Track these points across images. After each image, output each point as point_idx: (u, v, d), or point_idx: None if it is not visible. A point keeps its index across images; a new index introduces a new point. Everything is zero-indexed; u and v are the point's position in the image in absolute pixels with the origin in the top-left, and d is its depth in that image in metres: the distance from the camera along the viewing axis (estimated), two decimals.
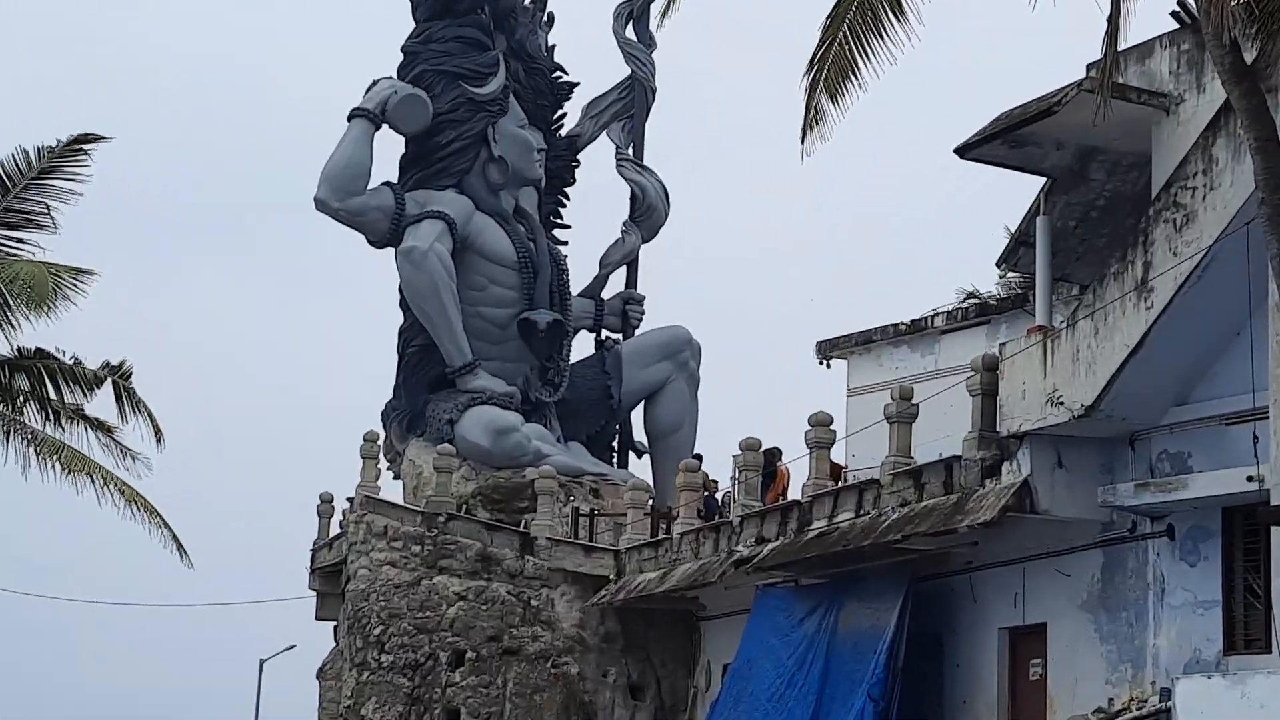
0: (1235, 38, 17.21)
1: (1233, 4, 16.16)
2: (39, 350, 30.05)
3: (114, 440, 30.45)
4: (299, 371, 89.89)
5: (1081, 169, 24.33)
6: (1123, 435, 22.24)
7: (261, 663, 49.60)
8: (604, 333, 40.05)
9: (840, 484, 27.59)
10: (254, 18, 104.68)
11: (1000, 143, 24.01)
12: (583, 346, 39.79)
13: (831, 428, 28.31)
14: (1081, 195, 24.70)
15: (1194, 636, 21.32)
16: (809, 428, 28.08)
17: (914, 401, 26.01)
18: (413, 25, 39.98)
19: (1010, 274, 29.33)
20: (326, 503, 38.83)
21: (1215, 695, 15.73)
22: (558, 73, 40.85)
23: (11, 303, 28.79)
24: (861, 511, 25.75)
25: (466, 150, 38.38)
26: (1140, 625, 22.23)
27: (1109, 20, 18.14)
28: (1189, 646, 21.32)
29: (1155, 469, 21.94)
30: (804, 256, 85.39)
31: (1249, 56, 17.74)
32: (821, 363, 34.87)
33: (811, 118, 18.52)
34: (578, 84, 40.88)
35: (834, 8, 18.47)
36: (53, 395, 30.16)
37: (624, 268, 40.20)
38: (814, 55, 18.43)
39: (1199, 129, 20.92)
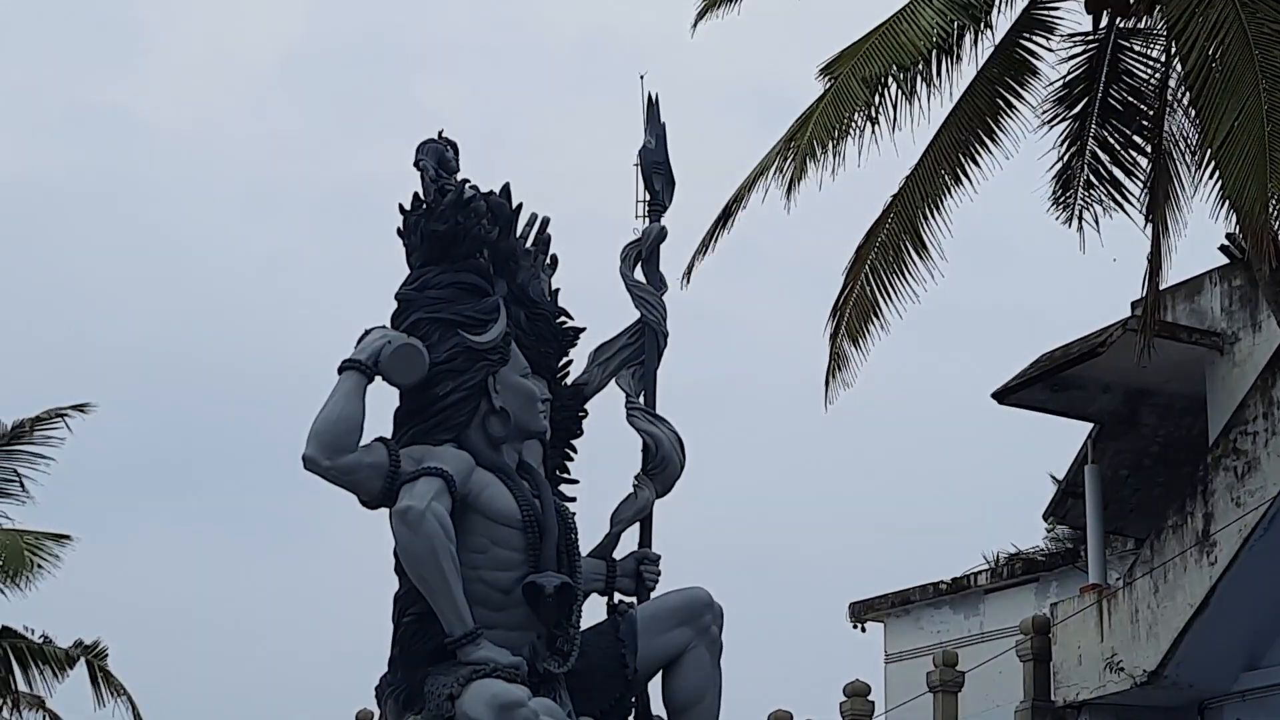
0: None
1: None
2: (6, 629, 29.43)
3: None
4: (287, 643, 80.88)
5: (1131, 413, 23.73)
6: (1191, 704, 21.32)
7: None
8: (617, 596, 37.58)
9: None
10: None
11: (1042, 386, 23.17)
12: (594, 612, 37.60)
13: (869, 698, 26.91)
14: (1132, 442, 24.05)
15: None
16: (844, 698, 26.72)
17: (959, 668, 24.83)
18: (406, 272, 36.23)
19: (1059, 527, 28.53)
20: None
21: None
22: (562, 318, 37.65)
23: None
24: None
25: (465, 402, 35.27)
26: None
27: (1150, 259, 18.02)
28: None
29: None
30: (833, 508, 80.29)
31: None
32: (855, 626, 33.97)
33: (835, 363, 18.22)
34: (584, 329, 37.90)
35: (856, 250, 18.48)
36: (20, 679, 29.45)
37: (637, 525, 37.71)
38: (837, 300, 18.38)
39: (1256, 369, 20.58)
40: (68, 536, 29.96)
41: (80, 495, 52.66)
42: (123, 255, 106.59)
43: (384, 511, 34.40)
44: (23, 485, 29.83)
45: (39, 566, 28.83)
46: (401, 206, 40.68)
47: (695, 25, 18.95)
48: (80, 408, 29.90)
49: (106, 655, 29.83)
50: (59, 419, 29.85)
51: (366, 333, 36.39)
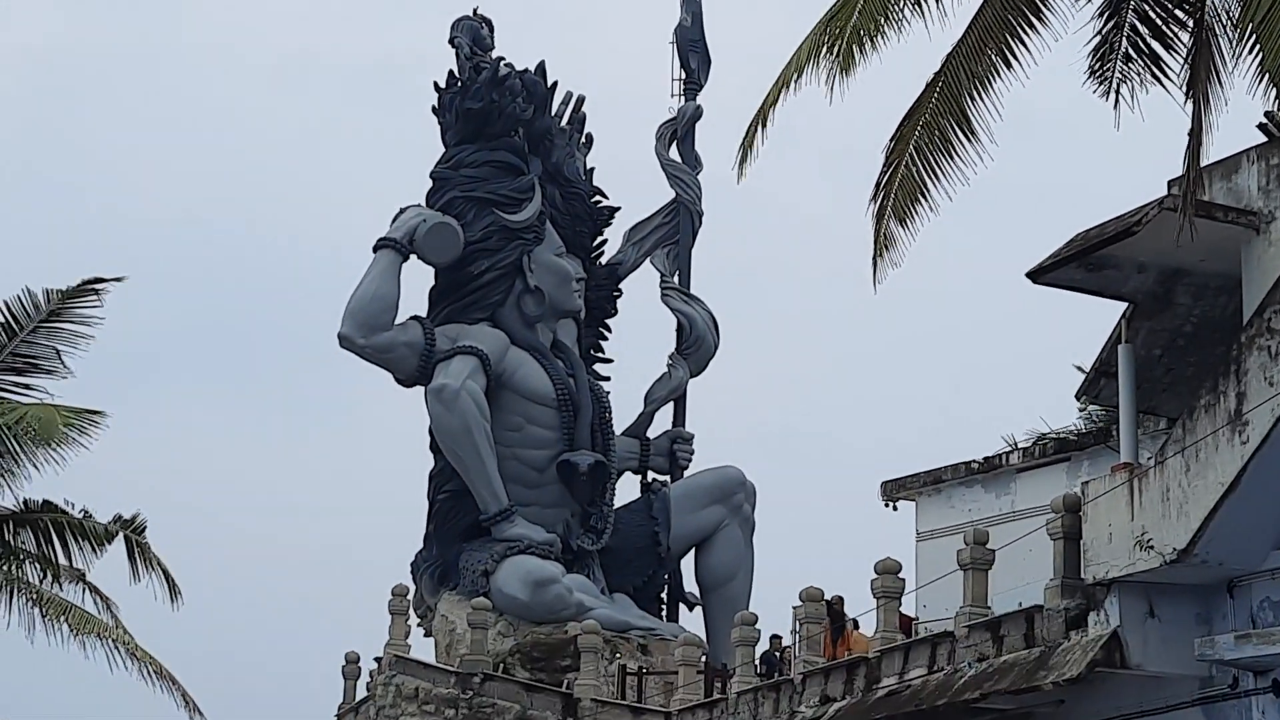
0: None
1: None
2: (46, 503, 28.87)
3: (114, 615, 29.42)
4: (323, 521, 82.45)
5: (1166, 293, 23.36)
6: (1220, 582, 21.10)
7: None
8: (650, 474, 38.70)
9: (911, 637, 26.63)
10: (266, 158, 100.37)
11: (1076, 266, 22.78)
12: (628, 490, 38.23)
13: (900, 575, 27.35)
14: (1166, 321, 23.66)
15: None
16: (875, 576, 27.07)
17: (990, 546, 25.00)
18: (441, 150, 36.43)
19: (1091, 407, 28.49)
20: (352, 663, 37.01)
21: None
22: (597, 197, 38.95)
23: (18, 447, 27.93)
24: (935, 668, 24.75)
25: (500, 281, 36.67)
26: None
27: (1190, 135, 17.49)
28: None
29: (1257, 618, 20.83)
30: (868, 388, 79.67)
31: None
32: (887, 505, 33.65)
33: (881, 244, 17.89)
34: (619, 208, 39.08)
35: (896, 130, 18.24)
36: (60, 552, 28.98)
37: (671, 404, 38.86)
38: (879, 180, 18.09)
39: None
40: (101, 412, 29.47)
41: (116, 371, 52.78)
42: (160, 127, 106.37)
43: (419, 390, 34.58)
44: (61, 360, 29.31)
45: (74, 441, 28.47)
46: (436, 84, 40.80)
47: None
48: (115, 279, 29.17)
49: (145, 530, 29.36)
50: (94, 293, 29.15)
51: (401, 211, 36.57)
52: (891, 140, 18.11)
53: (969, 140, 17.87)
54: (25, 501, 29.01)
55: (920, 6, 17.52)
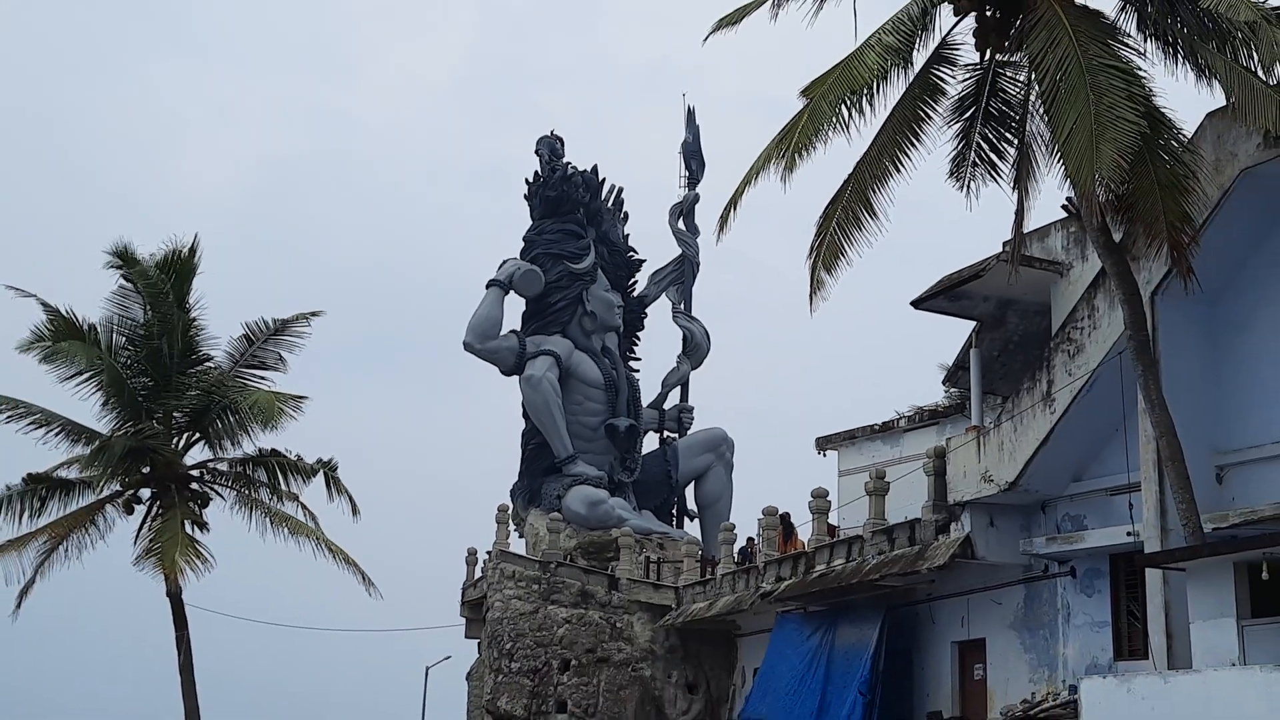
0: (1106, 223, 17.04)
1: (1103, 200, 15.98)
2: (274, 450, 29.63)
3: (316, 523, 29.88)
4: (450, 464, 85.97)
5: (1001, 315, 23.55)
6: (1036, 503, 21.36)
7: (427, 669, 46.45)
8: (665, 433, 38.71)
9: (834, 540, 26.38)
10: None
11: (943, 297, 23.26)
12: (650, 443, 38.23)
13: (827, 499, 27.49)
14: (1001, 334, 23.85)
15: (1092, 648, 20.62)
16: (811, 499, 27.25)
17: (886, 480, 25.35)
18: (530, 222, 38.34)
19: (953, 389, 28.29)
20: (472, 555, 36.76)
21: (1109, 691, 15.03)
22: (630, 253, 39.46)
23: (250, 420, 28.69)
24: (850, 559, 24.79)
25: (568, 308, 37.11)
26: (1053, 639, 21.43)
27: (1016, 213, 17.74)
28: (1089, 655, 20.63)
29: (1060, 527, 21.11)
30: (809, 379, 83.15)
31: (1116, 236, 17.54)
32: (820, 453, 33.94)
33: (815, 284, 17.75)
34: (645, 260, 39.88)
35: (825, 209, 18.09)
36: (282, 482, 29.71)
37: (679, 387, 38.89)
38: (813, 243, 17.91)
39: (1084, 287, 20.39)
40: (305, 397, 29.88)
41: (316, 368, 53.95)
42: (348, 208, 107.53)
43: (514, 379, 34.45)
44: (282, 360, 29.91)
45: (286, 414, 28.90)
46: (527, 180, 40.87)
47: (705, 39, 18.33)
48: (316, 313, 29.88)
49: (336, 468, 29.64)
50: (305, 320, 29.74)
51: (504, 262, 36.64)
52: (821, 217, 18.01)
53: (871, 217, 17.78)
54: (260, 449, 29.43)
55: (840, 128, 17.48)
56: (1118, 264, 17.49)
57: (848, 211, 17.73)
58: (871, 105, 17.56)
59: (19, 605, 27.60)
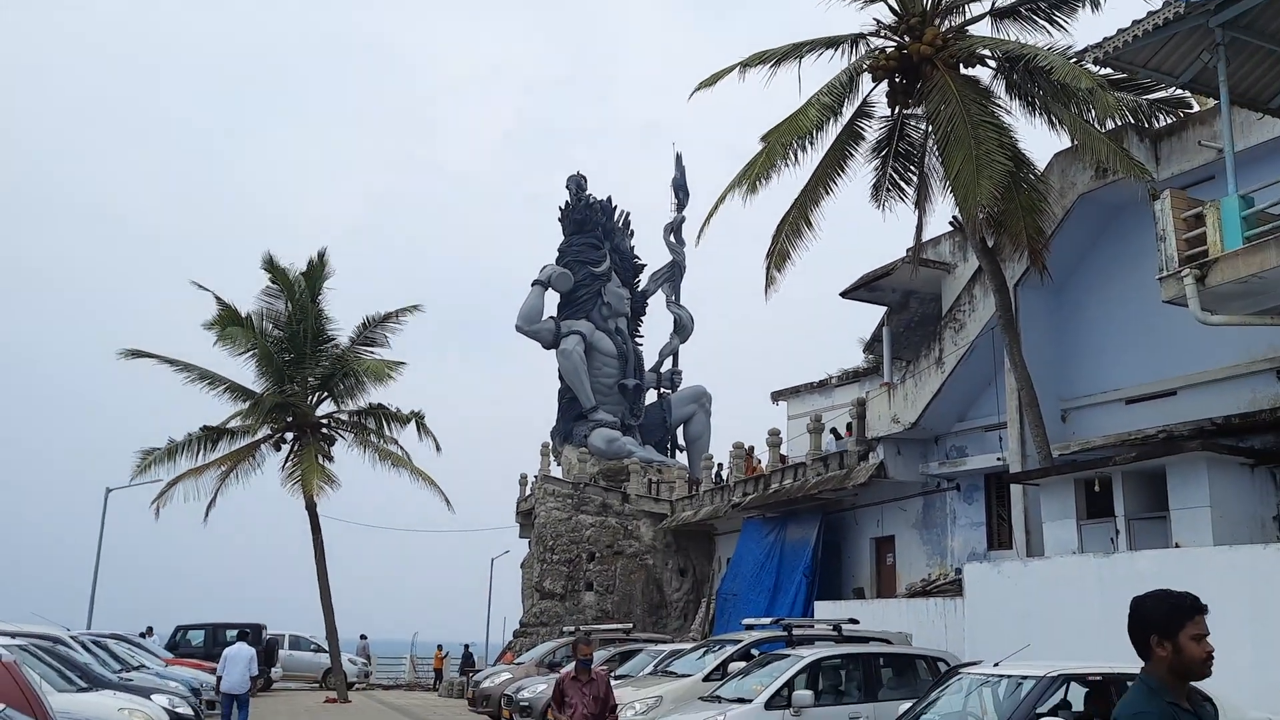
0: (983, 235, 16.71)
1: (980, 218, 15.51)
2: (380, 405, 29.25)
3: (408, 456, 29.47)
4: (507, 412, 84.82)
5: (905, 302, 23.23)
6: (931, 437, 21.22)
7: (492, 560, 46.77)
8: (661, 390, 38.59)
9: (784, 465, 26.07)
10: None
11: (864, 289, 22.96)
12: (650, 398, 38.20)
13: (779, 436, 27.35)
14: (905, 315, 23.47)
15: (972, 541, 20.58)
16: (768, 436, 27.17)
17: (822, 422, 25.10)
18: (562, 238, 38.14)
19: (870, 355, 27.72)
20: (523, 478, 36.68)
21: (984, 572, 14.72)
22: (635, 259, 39.17)
23: (366, 379, 28.55)
24: (796, 479, 24.61)
25: (590, 300, 37.00)
26: (944, 536, 21.35)
27: (916, 227, 17.71)
28: (969, 546, 20.57)
29: (949, 455, 20.96)
30: (767, 347, 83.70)
31: (990, 243, 17.25)
32: (774, 402, 33.78)
33: (770, 278, 17.30)
34: (645, 264, 39.92)
35: (779, 224, 17.68)
36: (386, 426, 29.39)
37: (671, 357, 38.76)
38: (769, 250, 17.51)
39: (965, 280, 20.23)
40: (403, 363, 29.69)
41: (412, 345, 53.72)
42: (433, 229, 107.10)
43: (553, 351, 34.19)
44: (387, 340, 29.64)
45: (389, 377, 28.73)
46: (559, 207, 40.22)
47: (691, 95, 17.80)
48: (415, 307, 29.60)
49: (424, 416, 29.43)
50: (408, 312, 29.61)
51: (544, 267, 36.13)
52: (776, 229, 17.69)
53: (810, 229, 17.53)
54: (370, 404, 29.16)
55: (789, 164, 17.22)
56: (991, 264, 17.32)
57: (794, 225, 17.50)
58: (812, 146, 17.32)
59: (206, 515, 27.67)
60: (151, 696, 13.91)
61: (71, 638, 16.40)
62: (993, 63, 17.07)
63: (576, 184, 37.97)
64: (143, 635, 26.92)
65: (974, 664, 10.14)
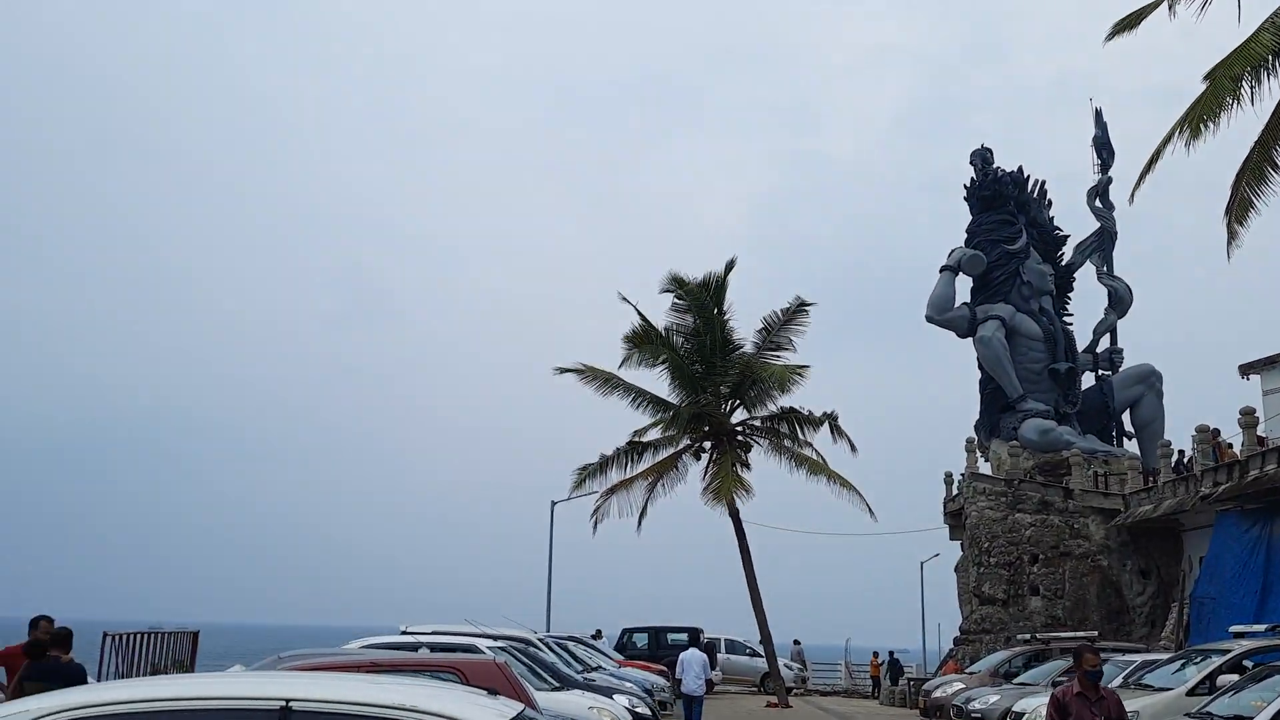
0: None
1: None
2: (791, 409, 29.45)
3: (823, 460, 29.27)
4: (917, 408, 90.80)
5: None
6: None
7: (921, 564, 45.27)
8: (1099, 372, 35.35)
9: (1264, 449, 22.85)
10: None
11: None
12: (1085, 381, 35.14)
13: (1255, 414, 24.15)
14: None
15: None
16: (1240, 416, 23.98)
17: None
18: (969, 217, 36.06)
19: None
20: (948, 476, 35.10)
21: None
22: (1056, 230, 36.02)
23: (774, 385, 28.89)
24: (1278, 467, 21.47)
25: (1007, 280, 35.07)
26: None
27: None
28: None
29: None
30: (1227, 314, 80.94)
31: None
32: (1244, 376, 29.64)
33: (1230, 236, 14.21)
34: (1068, 235, 36.96)
35: (1240, 167, 14.54)
36: (799, 430, 29.40)
37: (1108, 334, 35.34)
38: (1228, 201, 14.42)
39: None
40: (807, 366, 29.72)
41: (817, 344, 54.21)
42: (823, 225, 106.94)
43: (969, 340, 32.77)
44: (791, 344, 29.90)
45: (795, 382, 29.10)
46: (965, 185, 38.74)
47: (1108, 39, 15.87)
48: (810, 304, 29.81)
49: (838, 418, 29.36)
50: (803, 311, 29.80)
51: (951, 252, 34.90)
52: (1236, 177, 15.17)
53: (1276, 172, 14.96)
54: (781, 408, 29.61)
55: (1238, 100, 14.84)
56: None
57: (1256, 170, 15.14)
58: (1270, 75, 14.84)
59: (639, 525, 29.37)
60: (614, 696, 14.55)
61: (539, 640, 17.84)
62: None
63: (982, 158, 35.89)
64: (593, 637, 29.05)
65: None
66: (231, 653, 32.00)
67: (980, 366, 34.44)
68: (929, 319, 34.32)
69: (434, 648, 12.20)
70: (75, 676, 9.14)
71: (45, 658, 9.27)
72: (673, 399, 29.29)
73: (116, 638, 15.10)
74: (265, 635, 77.72)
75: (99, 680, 12.93)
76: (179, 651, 17.27)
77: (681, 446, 29.52)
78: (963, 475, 32.90)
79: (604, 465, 29.44)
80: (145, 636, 16.19)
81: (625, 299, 29.19)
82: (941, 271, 34.48)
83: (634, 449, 29.45)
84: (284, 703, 3.53)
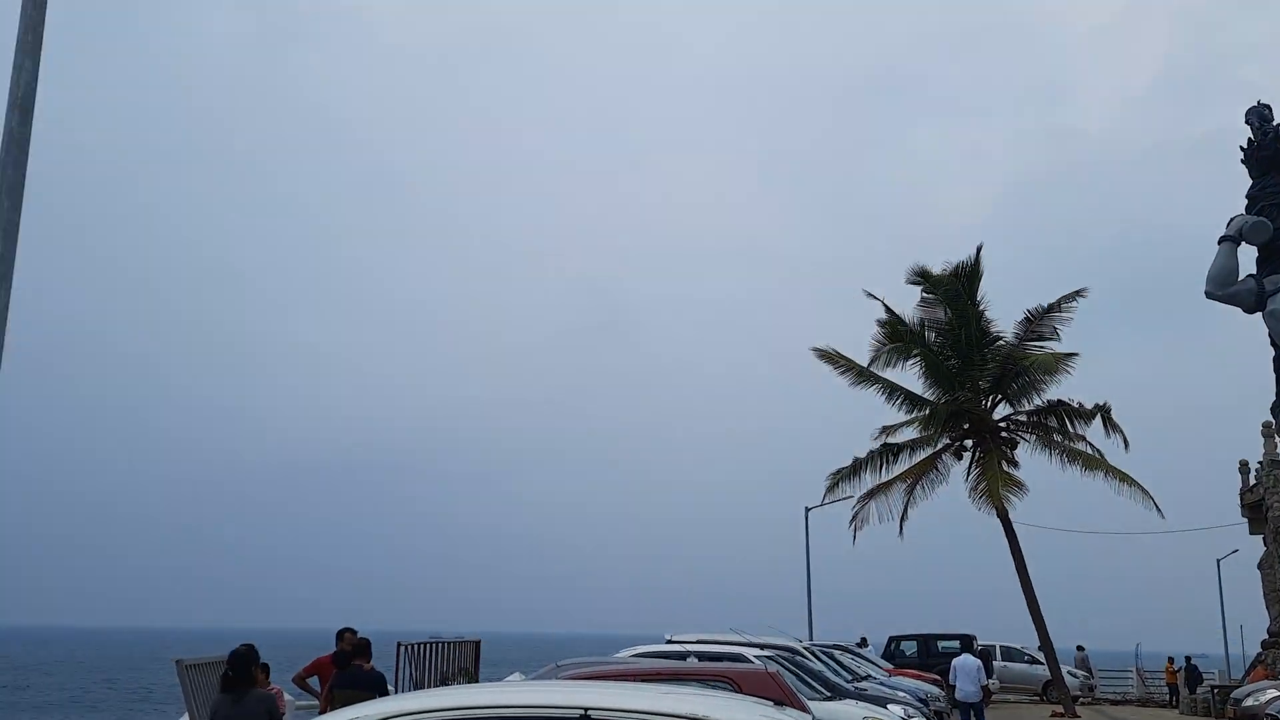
0: None
1: None
2: (1059, 401, 28.18)
3: (1100, 454, 27.56)
4: (1203, 392, 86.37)
5: None
6: None
7: (1218, 561, 42.54)
8: None
9: None
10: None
11: None
12: None
13: None
14: None
15: None
16: None
17: None
18: (1249, 182, 32.70)
19: None
20: (1244, 465, 32.21)
21: None
22: None
23: (1041, 374, 27.84)
24: None
25: None
26: None
27: None
28: None
29: None
30: None
31: None
32: None
33: None
34: None
35: None
36: (1069, 424, 27.93)
37: None
38: None
39: None
40: (1075, 354, 28.53)
41: (1086, 333, 50.65)
42: (1080, 206, 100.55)
43: (1257, 315, 29.78)
44: (1056, 333, 28.68)
45: (1063, 370, 27.97)
46: (1241, 146, 35.66)
47: None
48: (1080, 292, 28.55)
49: (1110, 409, 27.82)
50: (1070, 300, 28.56)
51: (1231, 220, 32.17)
52: None
53: None
54: (1048, 401, 28.43)
55: None
56: None
57: None
58: None
59: (901, 530, 28.78)
60: (888, 706, 14.27)
61: (805, 648, 17.83)
62: None
63: (1259, 115, 32.64)
64: (858, 645, 28.68)
65: None
66: (505, 661, 33.80)
67: (1272, 343, 31.17)
68: (1209, 295, 31.23)
69: (701, 656, 12.45)
70: (377, 684, 9.98)
71: (350, 667, 10.03)
72: (927, 396, 28.56)
73: (409, 648, 16.32)
74: (513, 644, 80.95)
75: (396, 687, 14.00)
76: (463, 660, 18.44)
77: (940, 446, 28.71)
78: (1260, 463, 30.05)
79: (856, 468, 29.05)
80: (434, 646, 17.39)
81: (871, 294, 28.73)
82: (1220, 243, 31.26)
83: (887, 450, 28.87)
84: (583, 711, 3.82)
